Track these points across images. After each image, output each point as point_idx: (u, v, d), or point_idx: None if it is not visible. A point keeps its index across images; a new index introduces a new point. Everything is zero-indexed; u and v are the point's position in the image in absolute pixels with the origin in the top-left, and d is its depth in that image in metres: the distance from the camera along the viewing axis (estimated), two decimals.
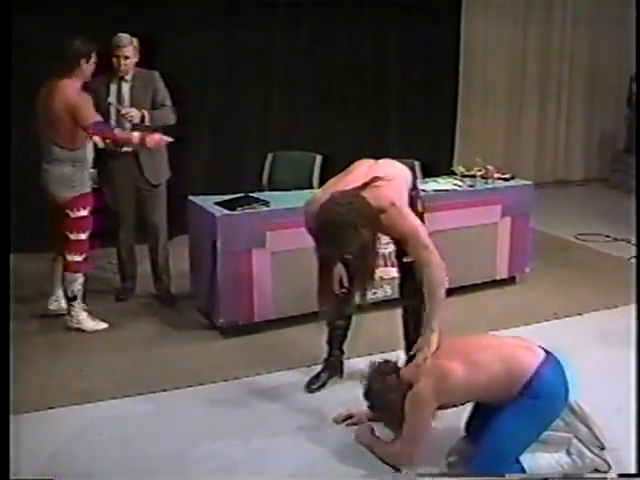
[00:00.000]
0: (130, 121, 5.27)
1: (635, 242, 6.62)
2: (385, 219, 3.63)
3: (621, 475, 3.38)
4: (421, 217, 4.00)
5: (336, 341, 4.51)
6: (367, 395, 3.64)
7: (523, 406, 3.22)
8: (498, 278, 5.97)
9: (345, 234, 3.45)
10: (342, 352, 4.55)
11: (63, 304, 5.31)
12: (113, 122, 5.32)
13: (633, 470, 3.35)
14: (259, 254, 5.01)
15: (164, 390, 4.38)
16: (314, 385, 4.46)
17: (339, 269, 4.12)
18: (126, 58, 5.29)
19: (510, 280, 6.05)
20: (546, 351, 3.37)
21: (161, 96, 5.45)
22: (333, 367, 4.53)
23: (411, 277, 4.10)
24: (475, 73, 9.25)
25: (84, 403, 4.21)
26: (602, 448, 3.48)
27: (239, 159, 7.59)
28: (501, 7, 9.17)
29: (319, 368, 4.54)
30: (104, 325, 5.22)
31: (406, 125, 8.52)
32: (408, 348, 4.10)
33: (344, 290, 4.17)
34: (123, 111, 5.24)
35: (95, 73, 5.02)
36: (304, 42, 7.85)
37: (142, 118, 5.28)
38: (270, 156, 6.68)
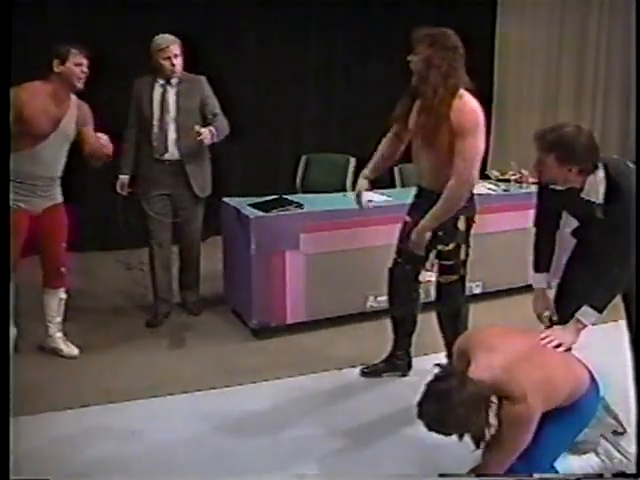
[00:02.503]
0: (200, 141, 4.91)
1: None
2: (457, 118, 3.82)
3: (621, 475, 3.35)
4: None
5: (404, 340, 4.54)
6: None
7: (565, 418, 3.16)
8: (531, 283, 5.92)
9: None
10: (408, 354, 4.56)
11: (56, 337, 4.88)
12: (157, 129, 5.10)
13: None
14: (293, 256, 5.02)
15: (196, 390, 4.40)
16: (367, 369, 4.53)
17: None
18: (176, 57, 5.02)
19: None
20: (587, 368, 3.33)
21: (211, 104, 5.15)
22: (393, 364, 4.54)
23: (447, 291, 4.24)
24: (510, 76, 9.17)
25: (116, 402, 4.23)
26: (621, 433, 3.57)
27: (273, 161, 7.61)
28: (536, 9, 9.10)
29: (352, 371, 4.56)
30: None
31: None
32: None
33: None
34: (201, 131, 4.87)
35: (88, 79, 4.47)
36: (339, 44, 7.84)
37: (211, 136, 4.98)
38: (304, 158, 6.70)
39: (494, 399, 2.98)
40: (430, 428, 2.93)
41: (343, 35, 7.86)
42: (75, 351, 4.87)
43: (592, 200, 3.27)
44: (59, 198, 4.67)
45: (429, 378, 2.95)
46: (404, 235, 4.22)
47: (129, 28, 6.58)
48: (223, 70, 7.16)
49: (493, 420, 2.96)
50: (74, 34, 6.24)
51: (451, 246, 4.08)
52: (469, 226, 4.10)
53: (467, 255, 4.15)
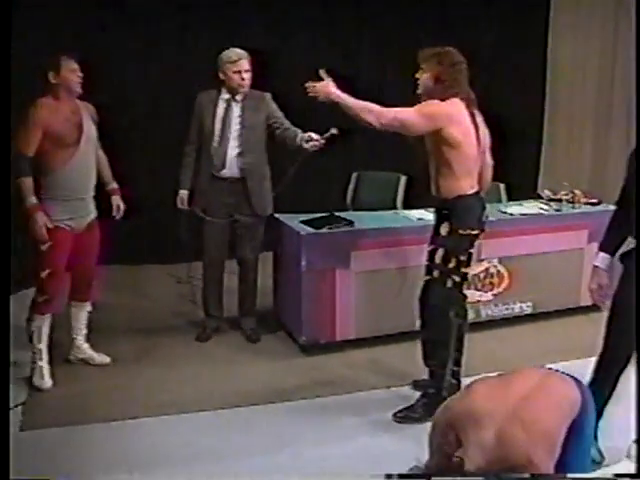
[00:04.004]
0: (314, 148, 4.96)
1: None
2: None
3: (621, 475, 3.30)
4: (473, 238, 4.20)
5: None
6: None
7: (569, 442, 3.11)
8: (583, 305, 5.85)
9: None
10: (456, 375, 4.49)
11: (85, 348, 4.95)
12: (216, 144, 5.05)
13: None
14: (343, 274, 5.03)
15: (244, 405, 4.43)
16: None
17: None
18: (246, 72, 4.97)
19: (595, 307, 5.91)
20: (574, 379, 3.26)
21: (280, 121, 5.13)
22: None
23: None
24: (561, 94, 9.11)
25: (166, 415, 4.29)
26: None
27: (324, 178, 7.62)
28: (588, 29, 9.03)
29: (401, 390, 4.57)
30: (48, 385, 4.55)
31: (491, 148, 8.44)
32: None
33: None
34: (314, 137, 4.92)
35: (83, 85, 4.45)
36: (390, 60, 7.84)
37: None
38: (355, 175, 6.71)
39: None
40: None
41: (394, 51, 7.86)
42: (107, 359, 4.94)
43: None
44: (95, 212, 4.71)
45: None
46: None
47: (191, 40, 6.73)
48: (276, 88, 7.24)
49: None
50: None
51: (431, 247, 4.26)
52: (460, 236, 4.12)
53: (447, 262, 4.15)
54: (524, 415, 2.90)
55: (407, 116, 3.97)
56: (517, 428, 2.84)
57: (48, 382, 4.59)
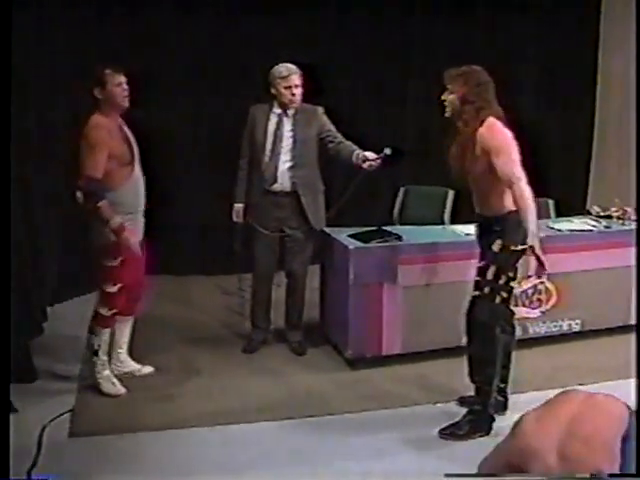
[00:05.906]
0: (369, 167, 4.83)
1: None
2: (485, 140, 3.99)
3: (620, 475, 3.23)
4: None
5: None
6: None
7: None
8: (632, 323, 5.77)
9: None
10: (503, 392, 4.46)
11: (127, 362, 4.94)
12: (267, 158, 5.09)
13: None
14: (391, 288, 5.02)
15: (289, 418, 4.43)
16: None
17: None
18: (297, 87, 4.99)
19: None
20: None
21: (332, 135, 5.13)
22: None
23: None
24: (611, 109, 9.00)
25: (211, 425, 4.31)
26: None
27: (371, 192, 7.62)
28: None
29: (446, 406, 4.55)
30: (123, 391, 4.63)
31: (539, 163, 8.36)
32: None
33: None
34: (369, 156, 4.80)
35: (131, 99, 4.36)
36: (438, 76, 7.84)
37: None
38: (402, 190, 6.70)
39: None
40: None
41: (441, 66, 7.86)
42: (150, 369, 4.98)
43: None
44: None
45: None
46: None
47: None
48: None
49: None
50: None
51: (481, 263, 4.22)
52: (512, 252, 4.09)
53: (498, 278, 4.12)
54: (580, 431, 2.88)
55: (521, 169, 3.97)
56: (577, 444, 2.83)
57: (122, 388, 4.65)
